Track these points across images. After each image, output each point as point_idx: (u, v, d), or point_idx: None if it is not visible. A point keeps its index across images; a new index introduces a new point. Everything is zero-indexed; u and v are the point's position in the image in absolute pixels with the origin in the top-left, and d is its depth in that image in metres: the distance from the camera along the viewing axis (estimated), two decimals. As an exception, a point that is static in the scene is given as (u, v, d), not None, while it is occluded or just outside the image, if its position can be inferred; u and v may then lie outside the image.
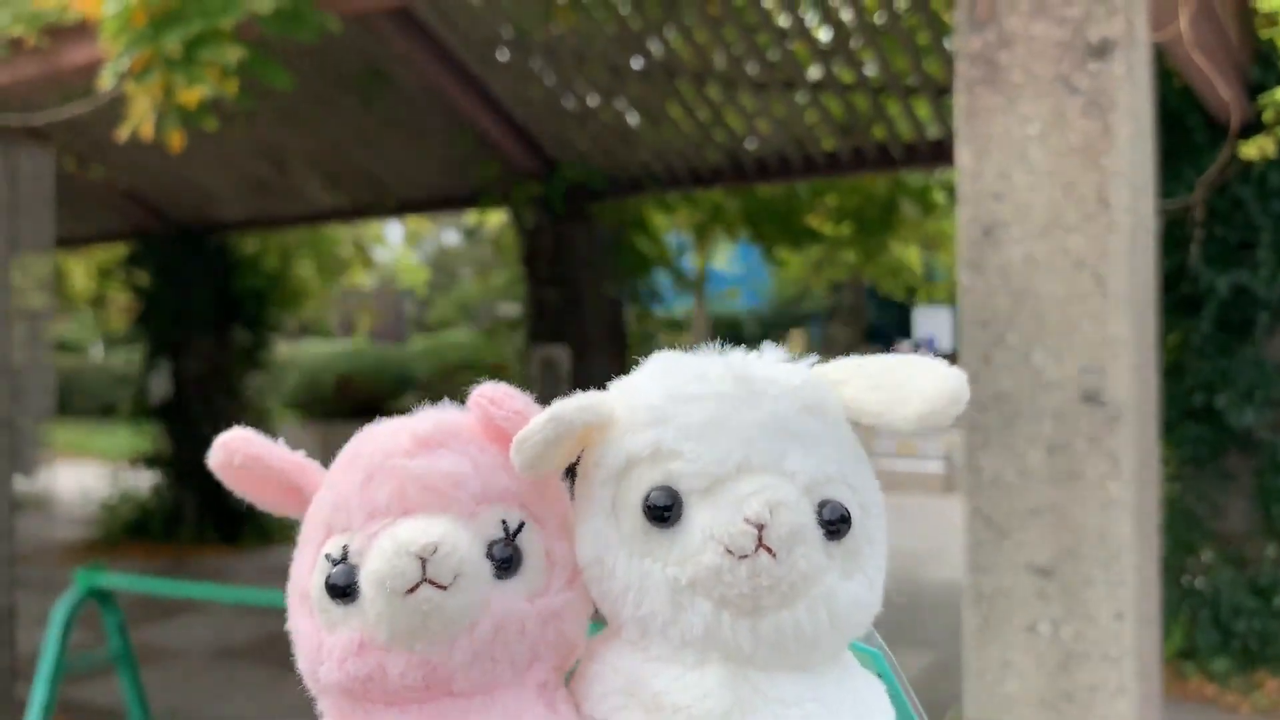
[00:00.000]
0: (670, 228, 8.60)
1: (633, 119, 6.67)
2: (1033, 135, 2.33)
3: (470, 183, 7.95)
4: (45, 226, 4.36)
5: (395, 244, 12.62)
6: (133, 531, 9.17)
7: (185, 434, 9.21)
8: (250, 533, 9.28)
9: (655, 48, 6.00)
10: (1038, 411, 2.33)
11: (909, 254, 8.51)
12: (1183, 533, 5.43)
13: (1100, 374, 2.29)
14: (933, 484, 13.16)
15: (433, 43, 6.27)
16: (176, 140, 3.17)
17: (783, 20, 5.70)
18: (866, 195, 7.27)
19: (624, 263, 7.76)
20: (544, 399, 0.75)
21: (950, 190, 7.30)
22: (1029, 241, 2.35)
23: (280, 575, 0.84)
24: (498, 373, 10.33)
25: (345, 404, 14.85)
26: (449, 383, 15.36)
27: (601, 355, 7.52)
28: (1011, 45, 2.34)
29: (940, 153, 6.37)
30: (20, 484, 4.29)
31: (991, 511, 2.39)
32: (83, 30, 3.71)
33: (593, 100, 6.59)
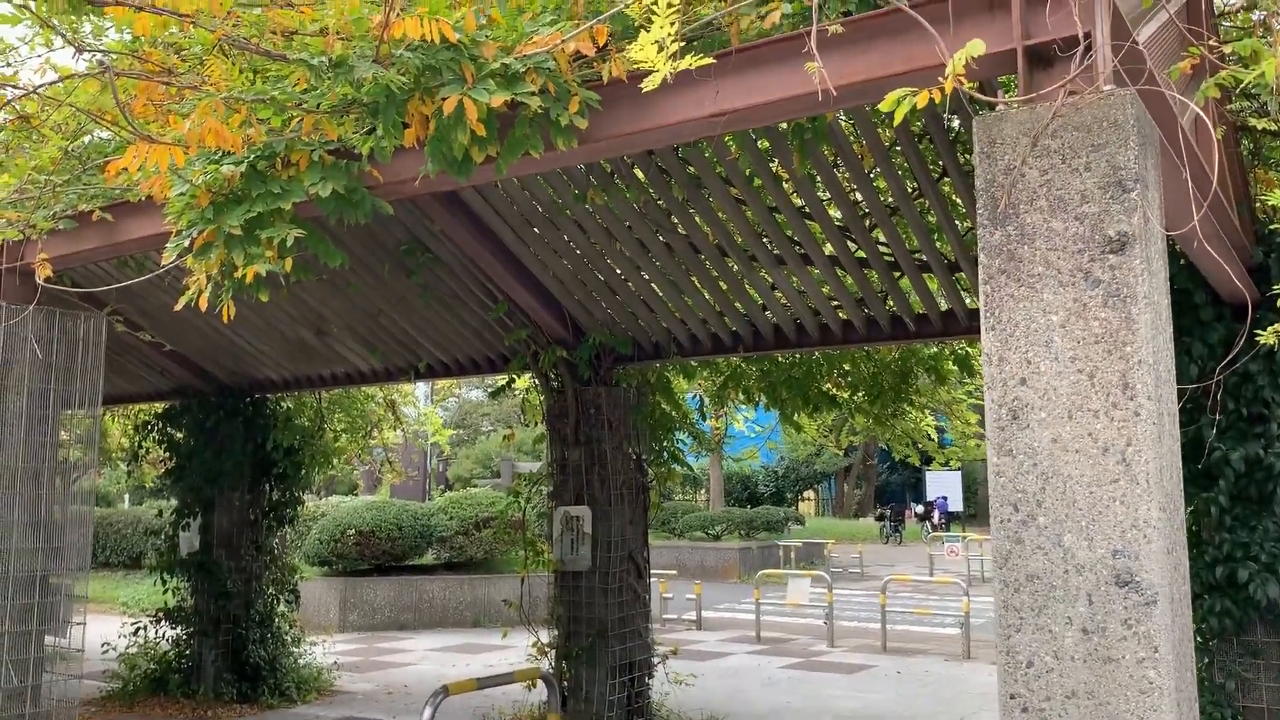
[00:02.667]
0: (690, 391, 8.82)
1: (657, 289, 6.98)
2: (1055, 324, 2.44)
3: (500, 347, 8.26)
4: (95, 387, 4.61)
5: (420, 400, 12.92)
6: (152, 686, 9.12)
7: (210, 588, 9.27)
8: (267, 691, 9.21)
9: (680, 223, 6.34)
10: (1071, 594, 2.36)
11: (923, 421, 8.64)
12: (1212, 710, 5.33)
13: (1133, 558, 2.33)
14: (951, 647, 12.86)
15: (471, 218, 6.67)
16: (229, 311, 3.42)
17: (799, 200, 6.04)
18: (881, 363, 7.48)
19: (646, 424, 7.94)
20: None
21: (960, 361, 7.51)
22: (1055, 425, 2.42)
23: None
24: (518, 528, 10.33)
25: (367, 559, 14.87)
26: (470, 538, 15.38)
27: (622, 514, 7.61)
28: (1032, 239, 2.47)
29: (951, 325, 6.60)
30: (49, 641, 4.39)
31: (1028, 697, 2.40)
32: (142, 207, 4.05)
33: (619, 271, 6.92)
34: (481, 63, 2.70)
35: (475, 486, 20.98)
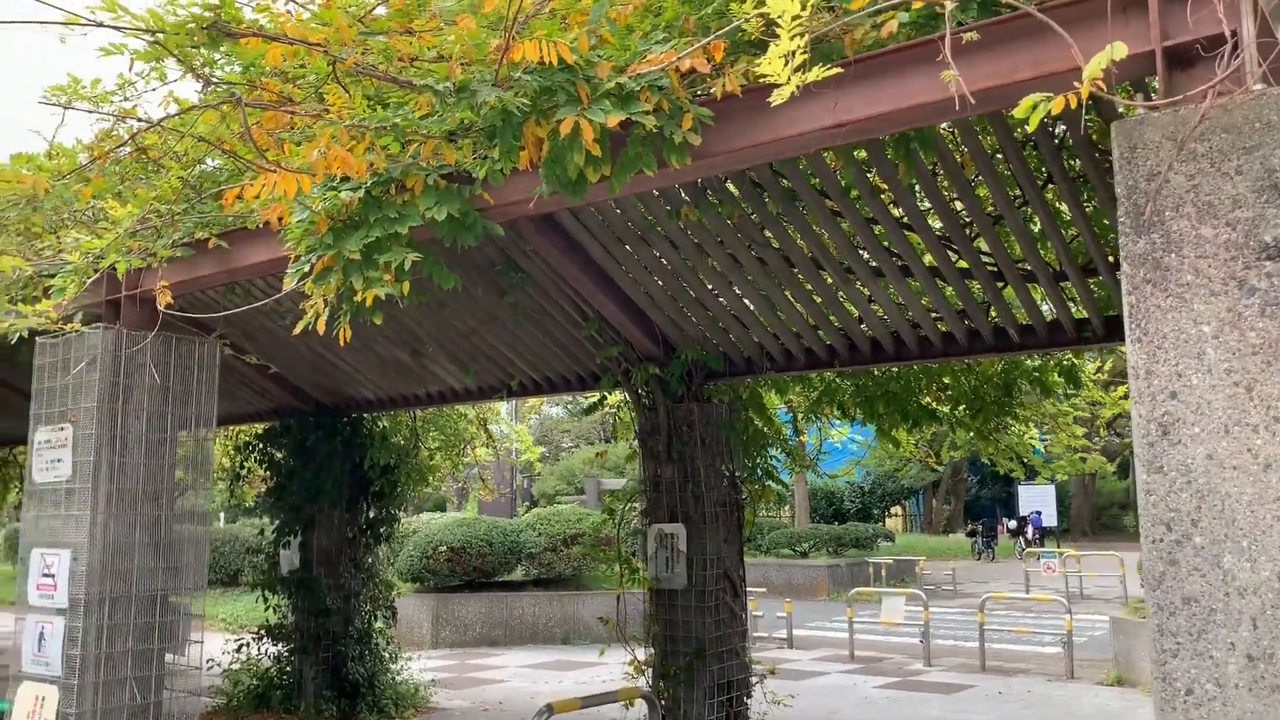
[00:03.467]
0: (783, 406, 8.72)
1: (749, 304, 6.92)
2: (1207, 334, 2.32)
3: (590, 365, 8.28)
4: (210, 410, 4.73)
5: (505, 417, 13.03)
6: (255, 702, 9.32)
7: (310, 606, 9.45)
8: (366, 708, 9.34)
9: (773, 237, 6.28)
10: (1233, 618, 2.25)
11: (1027, 434, 8.40)
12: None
13: (1303, 580, 2.18)
14: (1052, 666, 12.46)
15: (563, 237, 6.71)
16: (345, 335, 3.47)
17: (897, 211, 5.94)
18: (982, 376, 7.30)
19: (739, 440, 7.87)
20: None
21: (1066, 373, 7.28)
22: (1211, 440, 2.31)
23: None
24: (607, 545, 10.34)
25: (458, 575, 15.03)
26: (559, 554, 15.44)
27: (717, 532, 7.54)
28: (1179, 247, 2.35)
29: (1057, 335, 6.41)
30: (169, 659, 4.50)
31: (1189, 726, 2.26)
32: (257, 234, 4.15)
33: (711, 286, 6.87)
34: (596, 83, 2.70)
35: (559, 503, 21.05)
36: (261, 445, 9.98)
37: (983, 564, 29.98)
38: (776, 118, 2.81)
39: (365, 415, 10.04)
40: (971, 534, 33.36)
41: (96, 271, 3.92)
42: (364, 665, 9.55)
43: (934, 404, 7.46)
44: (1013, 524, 33.95)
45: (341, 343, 3.49)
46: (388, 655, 9.91)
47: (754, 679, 7.71)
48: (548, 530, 15.41)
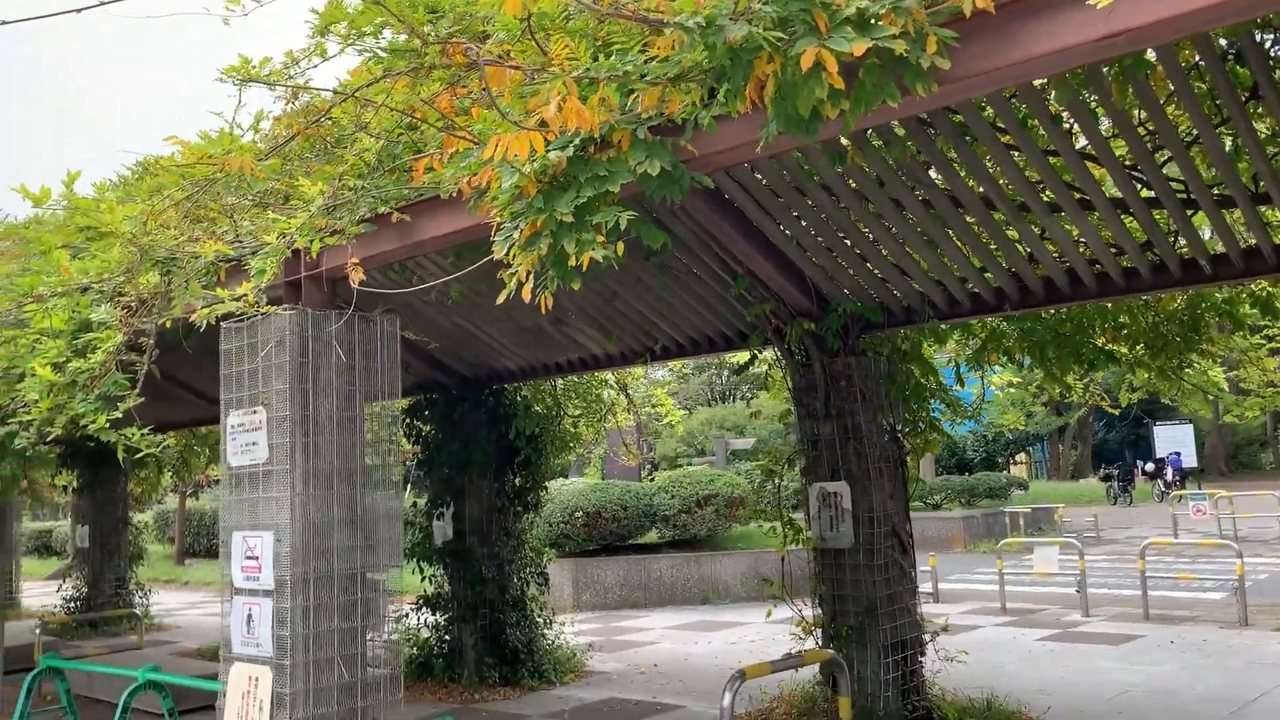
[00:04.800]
0: (942, 355, 8.39)
1: (910, 250, 6.61)
2: None
3: (737, 323, 8.08)
4: (393, 385, 4.71)
5: (646, 382, 12.95)
6: (418, 671, 9.49)
7: (466, 575, 9.56)
8: (527, 674, 9.42)
9: (942, 177, 5.96)
10: None
11: (1213, 371, 7.88)
12: None
13: None
14: (1222, 613, 11.87)
15: (713, 193, 6.49)
16: (546, 303, 3.35)
17: (1080, 141, 5.56)
18: (1164, 312, 6.85)
19: (899, 394, 7.60)
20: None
21: (1262, 304, 6.78)
22: None
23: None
24: (739, 506, 10.23)
25: (594, 539, 15.12)
26: (693, 516, 15.37)
27: (882, 489, 7.30)
28: None
29: (1255, 263, 5.96)
30: (369, 636, 4.51)
31: None
32: (438, 206, 4.05)
33: (870, 234, 6.59)
34: (834, 9, 2.49)
35: (680, 465, 20.98)
36: (408, 419, 10.09)
37: (1120, 509, 28.93)
38: (1031, 33, 2.55)
39: (506, 385, 10.05)
40: (1106, 478, 32.18)
41: (290, 251, 3.88)
42: (521, 632, 9.63)
43: (1110, 344, 7.03)
44: (1149, 466, 32.60)
45: (544, 310, 3.38)
46: (542, 621, 9.97)
47: (926, 637, 7.48)
48: (680, 492, 15.35)
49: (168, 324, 4.25)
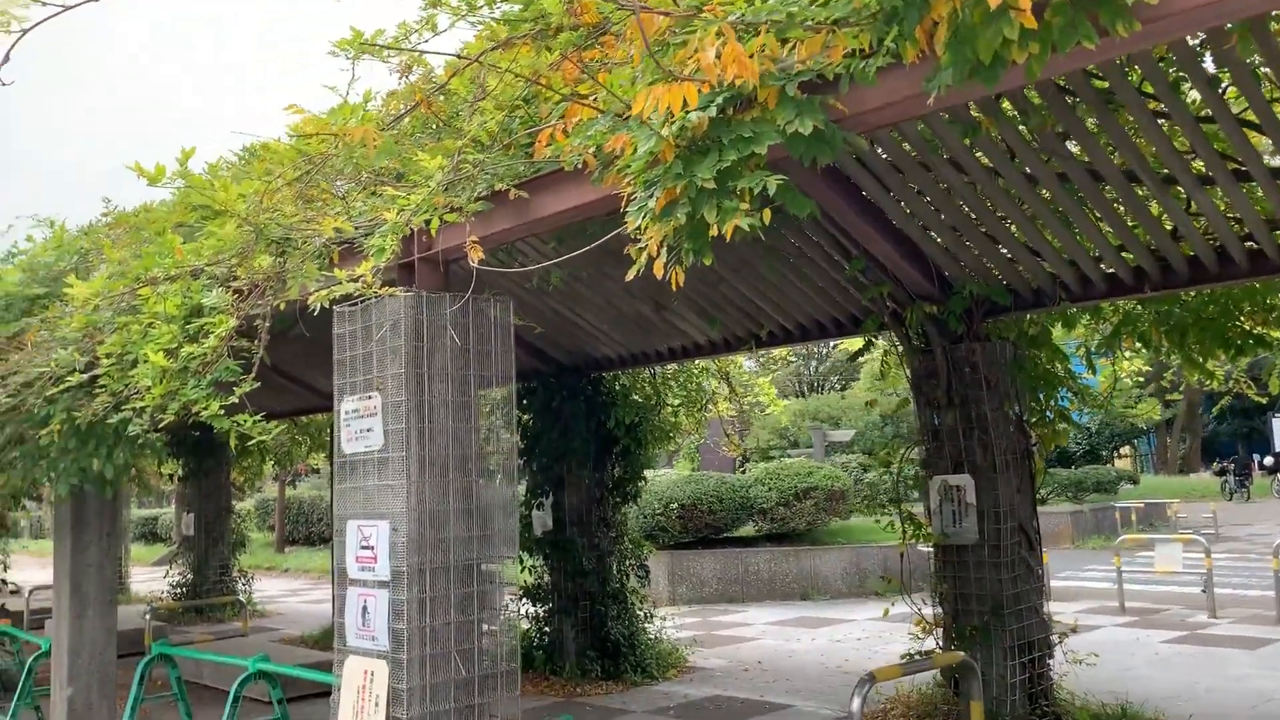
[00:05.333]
0: (1072, 341, 7.94)
1: (1041, 228, 6.21)
2: None
3: (849, 308, 7.74)
4: (507, 369, 4.53)
5: (749, 370, 12.65)
6: (521, 663, 9.36)
7: (566, 566, 9.41)
8: (629, 668, 9.25)
9: (1081, 149, 5.56)
10: None
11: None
12: None
13: None
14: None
15: (828, 169, 6.18)
16: (678, 278, 3.12)
17: (1239, 105, 5.11)
18: (1325, 290, 6.32)
19: (1026, 381, 7.19)
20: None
21: None
22: None
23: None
24: (840, 500, 9.86)
25: (689, 531, 14.89)
26: (791, 509, 15.03)
27: (1009, 482, 6.91)
28: None
29: None
30: (485, 629, 4.35)
31: None
32: (556, 181, 3.84)
33: (999, 211, 6.21)
34: (1027, -63, 2.19)
35: (772, 458, 20.57)
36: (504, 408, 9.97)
37: (1237, 505, 27.60)
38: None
39: (605, 374, 9.86)
40: (1220, 472, 30.76)
41: (409, 229, 3.71)
42: (622, 625, 9.45)
43: (1259, 328, 6.52)
44: (1268, 460, 31.03)
45: (675, 287, 3.13)
46: (642, 614, 9.78)
47: (1054, 638, 7.07)
48: (778, 485, 15.02)
49: (282, 306, 4.13)
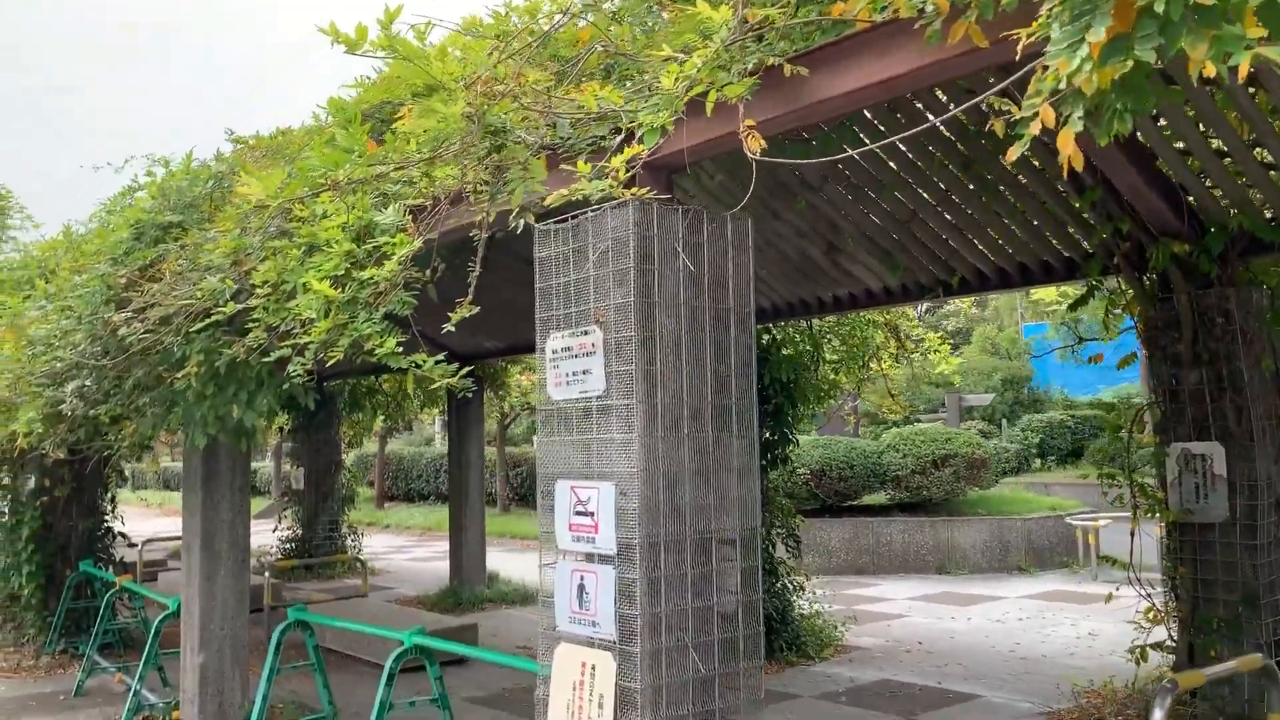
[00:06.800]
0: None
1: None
2: None
3: (1069, 248, 6.76)
4: (745, 303, 3.70)
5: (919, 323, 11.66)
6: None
7: (715, 535, 8.64)
8: (784, 645, 8.48)
9: None
10: None
11: None
12: None
13: None
14: None
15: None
16: (1076, 158, 2.24)
17: None
18: None
19: (1286, 335, 6.14)
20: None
21: None
22: None
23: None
24: (981, 468, 8.78)
25: (818, 498, 14.04)
26: (928, 478, 14.06)
27: (1267, 452, 5.90)
28: None
29: None
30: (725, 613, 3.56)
31: None
32: (862, 47, 2.98)
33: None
34: None
35: (893, 422, 19.47)
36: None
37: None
38: None
39: (756, 325, 8.99)
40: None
41: (684, 104, 2.87)
42: (774, 598, 8.67)
43: None
44: None
45: (1065, 170, 2.27)
46: (793, 587, 8.98)
47: (1314, 635, 6.07)
48: (913, 451, 14.05)
49: (491, 217, 3.35)
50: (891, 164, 6.60)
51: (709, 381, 3.60)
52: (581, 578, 3.50)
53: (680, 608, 3.42)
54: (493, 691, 7.89)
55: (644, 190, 2.97)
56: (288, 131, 6.37)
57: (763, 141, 2.74)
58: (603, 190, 2.93)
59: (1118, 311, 6.63)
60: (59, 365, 5.72)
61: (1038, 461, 22.53)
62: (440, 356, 3.73)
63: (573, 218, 3.59)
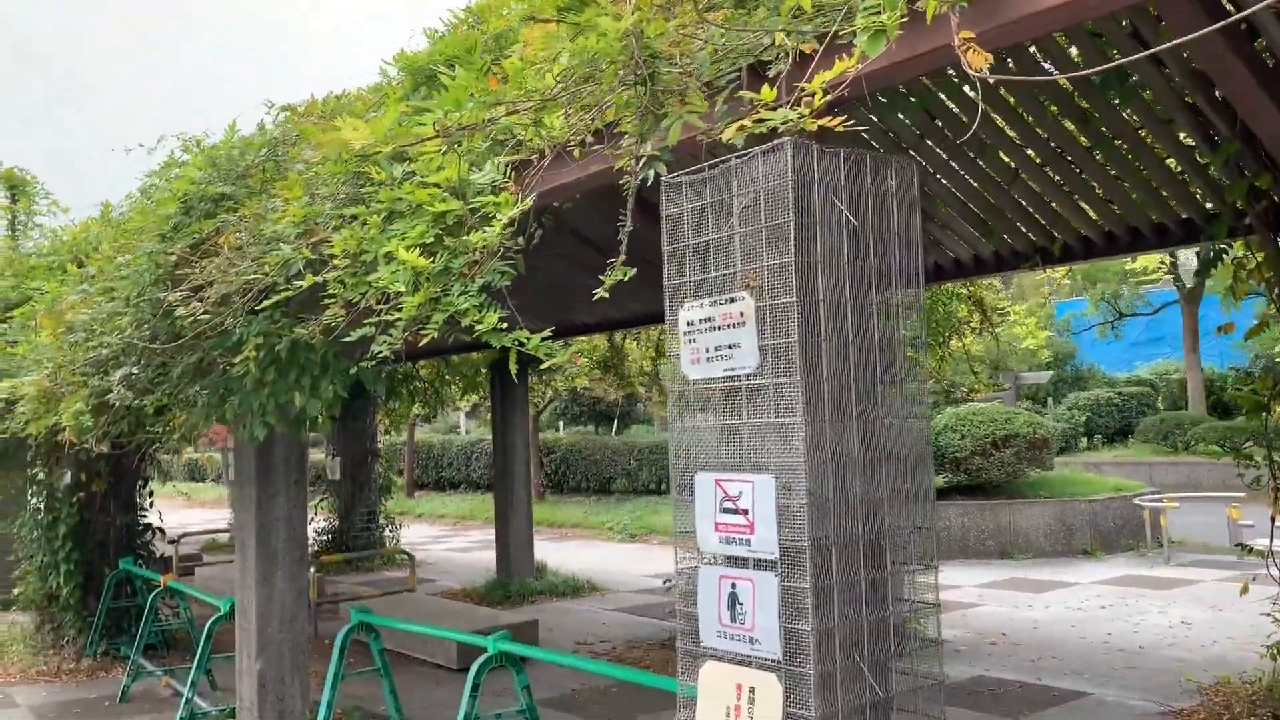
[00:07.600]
0: None
1: None
2: None
3: (1191, 208, 6.21)
4: (912, 263, 3.19)
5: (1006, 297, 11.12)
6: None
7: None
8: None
9: None
10: None
11: None
12: None
13: None
14: None
15: (1221, 10, 4.64)
16: None
17: None
18: None
19: None
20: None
21: None
22: None
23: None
24: (1043, 448, 8.21)
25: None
26: (989, 459, 13.51)
27: None
28: None
29: None
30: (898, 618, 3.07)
31: None
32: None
33: None
34: None
35: (939, 404, 18.89)
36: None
37: None
38: None
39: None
40: None
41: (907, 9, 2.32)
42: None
43: None
44: None
45: None
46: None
47: None
48: (972, 432, 13.50)
49: (672, 142, 2.81)
50: (998, 119, 6.05)
51: (875, 354, 3.10)
52: (733, 586, 3.00)
53: (856, 622, 2.93)
54: (562, 692, 7.43)
55: (837, 120, 2.45)
56: (343, 95, 5.88)
57: (989, 56, 2.22)
58: (788, 121, 2.40)
59: (1244, 278, 6.09)
60: (105, 352, 5.25)
61: (1083, 441, 21.90)
62: (547, 333, 3.24)
63: (711, 167, 3.09)
